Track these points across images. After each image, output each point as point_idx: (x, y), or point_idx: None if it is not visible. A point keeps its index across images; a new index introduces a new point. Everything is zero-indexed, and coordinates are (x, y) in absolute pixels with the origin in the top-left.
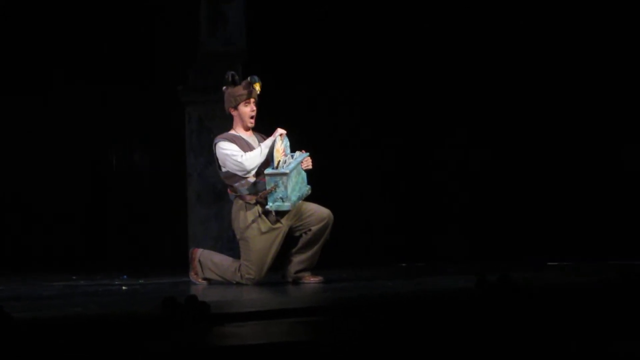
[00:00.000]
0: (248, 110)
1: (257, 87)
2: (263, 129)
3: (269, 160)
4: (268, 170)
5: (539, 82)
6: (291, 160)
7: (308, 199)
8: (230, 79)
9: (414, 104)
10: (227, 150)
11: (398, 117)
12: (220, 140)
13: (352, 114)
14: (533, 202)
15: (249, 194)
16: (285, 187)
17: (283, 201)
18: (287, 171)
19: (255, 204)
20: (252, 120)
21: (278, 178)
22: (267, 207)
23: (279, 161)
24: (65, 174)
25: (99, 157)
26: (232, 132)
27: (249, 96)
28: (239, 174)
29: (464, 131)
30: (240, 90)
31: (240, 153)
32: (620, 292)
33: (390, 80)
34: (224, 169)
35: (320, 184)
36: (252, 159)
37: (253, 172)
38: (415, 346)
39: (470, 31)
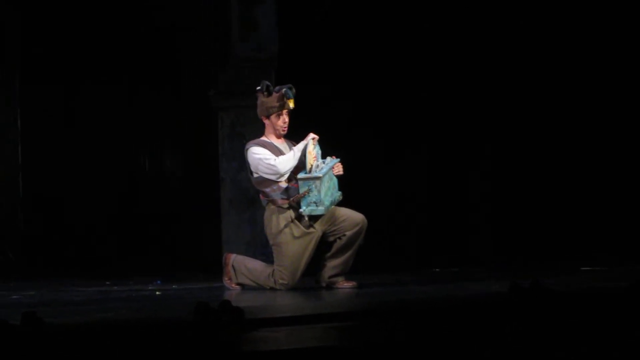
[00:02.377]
0: (280, 121)
1: (291, 103)
2: (294, 135)
3: (300, 166)
4: (301, 175)
5: (569, 83)
6: (323, 165)
7: (340, 204)
8: (264, 88)
9: (444, 110)
10: (259, 155)
11: (430, 123)
12: (251, 146)
13: (381, 121)
14: (566, 205)
15: (281, 199)
16: (319, 191)
17: (317, 205)
18: (320, 175)
19: (288, 208)
20: (284, 130)
21: (311, 182)
22: (301, 211)
23: (312, 165)
24: (98, 179)
25: (132, 162)
26: (263, 138)
27: (281, 109)
28: (272, 178)
29: (495, 135)
30: (273, 102)
31: (272, 157)
32: None
33: (424, 86)
34: (255, 175)
35: (352, 189)
36: (285, 162)
37: (286, 176)
38: (448, 351)
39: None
